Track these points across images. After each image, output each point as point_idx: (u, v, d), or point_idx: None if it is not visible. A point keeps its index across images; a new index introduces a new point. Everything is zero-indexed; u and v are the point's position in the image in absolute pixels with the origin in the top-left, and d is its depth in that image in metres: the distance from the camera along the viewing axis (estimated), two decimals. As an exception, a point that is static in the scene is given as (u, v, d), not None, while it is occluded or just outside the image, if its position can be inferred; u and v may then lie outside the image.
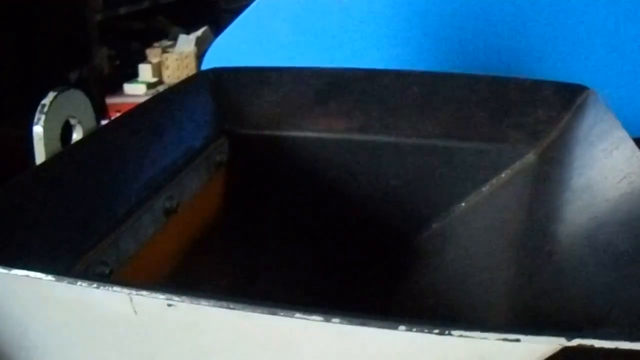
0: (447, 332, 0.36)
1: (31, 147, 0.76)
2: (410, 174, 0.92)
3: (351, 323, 0.37)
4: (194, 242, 0.83)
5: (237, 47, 1.40)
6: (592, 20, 1.07)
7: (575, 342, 0.36)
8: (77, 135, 0.80)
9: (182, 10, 3.73)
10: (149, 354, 0.48)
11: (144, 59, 3.24)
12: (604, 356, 0.39)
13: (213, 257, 0.88)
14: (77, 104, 0.79)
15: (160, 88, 3.13)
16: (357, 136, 0.93)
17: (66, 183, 0.71)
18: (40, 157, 0.75)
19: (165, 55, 3.19)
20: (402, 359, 0.39)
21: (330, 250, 0.95)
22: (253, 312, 0.38)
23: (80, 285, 0.44)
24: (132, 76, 3.21)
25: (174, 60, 3.17)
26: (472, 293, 0.83)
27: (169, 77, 3.21)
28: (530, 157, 0.87)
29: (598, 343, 0.36)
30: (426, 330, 0.36)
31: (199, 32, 3.23)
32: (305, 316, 0.38)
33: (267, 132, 0.95)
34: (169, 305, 0.42)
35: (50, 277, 0.45)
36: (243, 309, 0.38)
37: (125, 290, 0.42)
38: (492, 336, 0.36)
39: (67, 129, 0.80)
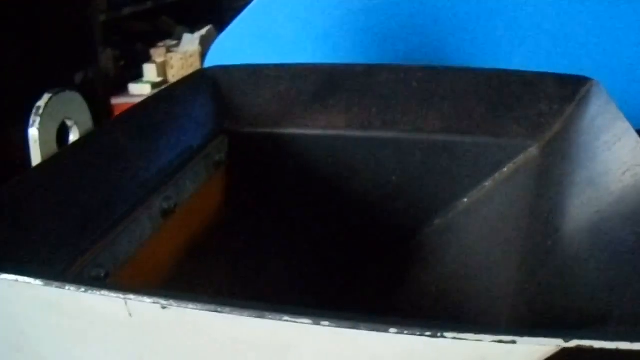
0: (439, 334, 0.35)
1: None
2: (411, 170, 0.91)
3: (341, 326, 0.36)
4: (192, 243, 0.83)
5: (239, 45, 1.39)
6: (593, 10, 1.06)
7: (573, 343, 0.35)
8: (73, 137, 0.80)
9: (186, 10, 3.73)
10: (145, 356, 0.48)
11: (148, 59, 3.24)
12: (606, 356, 0.38)
13: (212, 258, 0.87)
14: (74, 105, 0.78)
15: (165, 88, 3.12)
16: (357, 132, 0.92)
17: (62, 184, 0.70)
18: (36, 159, 0.74)
19: (169, 54, 3.19)
20: (395, 361, 0.38)
21: (331, 248, 0.94)
22: (241, 315, 0.37)
23: (69, 289, 0.43)
24: (137, 76, 3.21)
25: (178, 59, 3.17)
26: (475, 290, 0.82)
27: (173, 76, 3.20)
28: (533, 150, 0.85)
29: (597, 344, 0.35)
30: (418, 333, 0.35)
31: (203, 31, 3.23)
32: (294, 319, 0.37)
33: (266, 130, 0.94)
34: (163, 307, 0.41)
35: (38, 282, 0.45)
36: (231, 312, 0.37)
37: (112, 294, 0.41)
38: (486, 338, 0.35)
39: (64, 131, 0.80)
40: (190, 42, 3.16)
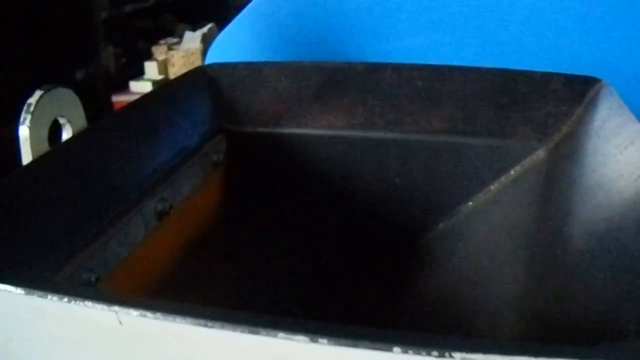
0: (447, 353, 0.32)
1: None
2: (414, 172, 0.88)
3: (340, 344, 0.34)
4: (188, 246, 0.80)
5: (240, 42, 1.37)
6: (603, 8, 1.03)
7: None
8: (66, 135, 0.77)
9: (188, 8, 3.71)
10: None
11: (150, 56, 3.23)
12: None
13: (208, 262, 0.84)
14: (66, 102, 0.76)
15: (167, 86, 3.11)
16: (359, 133, 0.89)
17: (52, 185, 0.67)
18: (27, 158, 0.72)
19: (171, 52, 3.17)
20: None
21: (332, 252, 0.92)
22: (233, 331, 0.35)
23: (51, 299, 0.41)
24: (139, 74, 3.19)
25: (180, 57, 3.15)
26: (481, 298, 0.79)
27: (175, 74, 3.18)
28: (540, 153, 0.83)
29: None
30: (424, 353, 0.32)
31: (205, 29, 3.21)
32: (289, 336, 0.34)
33: (265, 130, 0.91)
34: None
35: (20, 291, 0.42)
36: (221, 328, 0.35)
37: (97, 305, 0.39)
38: (497, 359, 0.32)
39: (57, 129, 0.77)
40: (192, 39, 3.15)
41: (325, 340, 0.34)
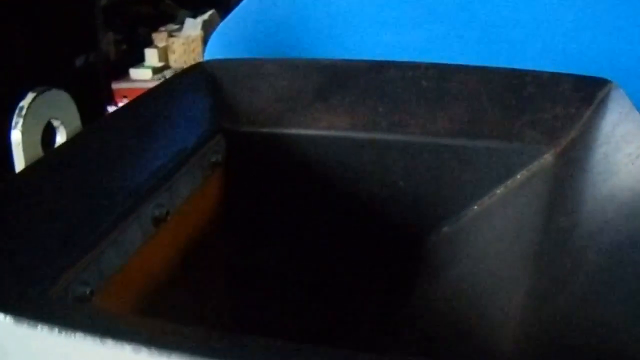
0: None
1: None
2: (418, 175, 0.86)
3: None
4: (186, 253, 0.78)
5: (242, 31, 1.34)
6: (613, 7, 1.00)
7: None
8: (60, 139, 0.75)
9: (189, -7, 3.67)
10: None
11: (150, 43, 3.20)
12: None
13: (207, 269, 0.82)
14: (60, 104, 0.74)
15: (167, 73, 3.09)
16: (362, 134, 0.87)
17: (45, 193, 0.65)
18: (19, 163, 0.70)
19: (171, 39, 3.14)
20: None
21: (335, 256, 0.90)
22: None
23: (41, 330, 0.39)
24: (139, 61, 3.16)
25: (180, 44, 3.12)
26: (483, 309, 0.77)
27: (175, 61, 3.17)
28: (548, 157, 0.80)
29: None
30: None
31: (206, 16, 3.18)
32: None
33: (266, 130, 0.89)
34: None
35: (9, 320, 0.41)
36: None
37: (87, 338, 0.37)
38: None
39: (50, 132, 0.75)
40: (193, 26, 3.12)
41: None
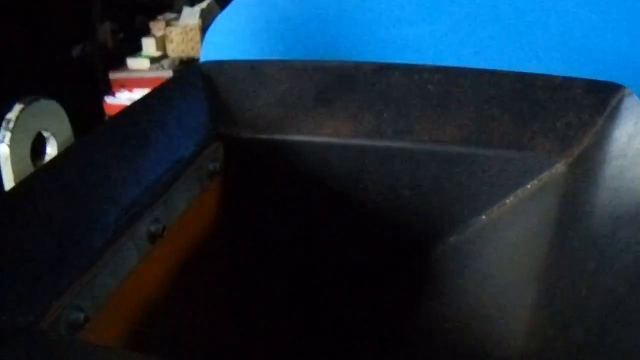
0: None
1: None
2: (425, 184, 0.83)
3: None
4: (185, 269, 0.75)
5: (242, 23, 1.31)
6: (627, 10, 0.97)
7: None
8: (51, 150, 0.72)
9: (187, -19, 3.62)
10: None
11: (148, 32, 3.15)
12: None
13: (207, 287, 0.79)
14: (50, 115, 0.71)
15: (165, 62, 3.05)
16: (366, 141, 0.83)
17: (35, 213, 0.62)
18: (8, 179, 0.67)
19: (169, 28, 3.10)
20: None
21: (337, 267, 0.87)
22: None
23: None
24: (137, 50, 3.12)
25: (178, 33, 3.08)
26: (490, 321, 0.75)
27: (173, 51, 3.12)
28: (560, 167, 0.77)
29: None
30: None
31: (204, 4, 3.14)
32: None
33: (266, 137, 0.85)
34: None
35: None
36: None
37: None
38: None
39: (41, 143, 0.72)
40: (191, 15, 3.07)
41: None
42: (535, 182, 0.79)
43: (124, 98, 2.94)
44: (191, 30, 3.05)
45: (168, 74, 2.92)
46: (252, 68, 0.91)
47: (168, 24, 3.11)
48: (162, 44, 3.09)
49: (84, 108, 2.72)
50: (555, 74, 0.82)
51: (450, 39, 1.02)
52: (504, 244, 0.80)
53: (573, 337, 0.55)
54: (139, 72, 3.03)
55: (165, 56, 3.09)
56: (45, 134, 0.69)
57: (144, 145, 0.77)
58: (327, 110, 0.86)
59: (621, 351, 0.48)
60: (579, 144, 0.77)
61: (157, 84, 0.90)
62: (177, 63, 3.06)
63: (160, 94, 0.84)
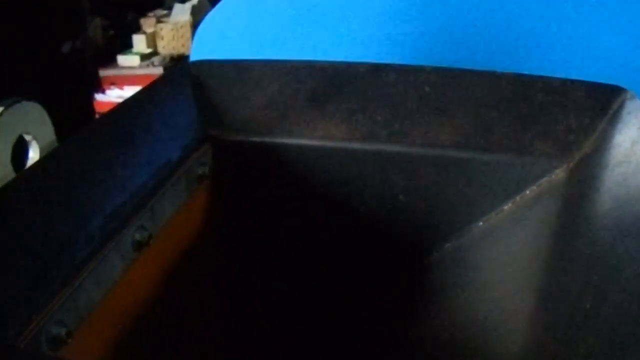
0: None
1: None
2: (421, 189, 0.80)
3: None
4: (173, 276, 0.72)
5: (233, 19, 1.28)
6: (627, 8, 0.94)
7: None
8: (33, 154, 0.69)
9: (178, -23, 3.58)
10: None
11: (139, 29, 3.12)
12: None
13: (196, 295, 0.76)
14: (31, 117, 0.68)
15: (155, 59, 3.02)
16: (360, 145, 0.81)
17: (15, 221, 0.60)
18: (-14, 184, 0.64)
19: (160, 25, 3.06)
20: None
21: (329, 274, 0.84)
22: None
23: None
24: (127, 47, 3.09)
25: (169, 30, 3.04)
26: (486, 332, 0.72)
27: (164, 47, 3.09)
28: (560, 173, 0.75)
29: None
30: None
31: (195, 1, 3.10)
32: None
33: (256, 139, 0.83)
34: None
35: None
36: None
37: None
38: None
39: (23, 147, 0.69)
40: (182, 12, 3.03)
41: None
42: (534, 187, 0.76)
43: (113, 95, 2.91)
44: (182, 27, 3.02)
45: (158, 70, 2.88)
46: (242, 68, 0.89)
47: (158, 20, 3.07)
48: (152, 40, 3.06)
49: (74, 105, 2.68)
50: (554, 75, 0.80)
51: (446, 38, 1.00)
52: (502, 251, 0.77)
53: (577, 352, 0.52)
54: (129, 68, 2.99)
55: (155, 53, 3.05)
56: (27, 137, 0.66)
57: (130, 149, 0.74)
58: (319, 112, 0.83)
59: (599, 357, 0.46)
60: (579, 148, 0.75)
61: (147, 81, 0.87)
62: (167, 60, 3.02)
63: (148, 95, 0.82)
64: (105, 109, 2.10)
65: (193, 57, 1.12)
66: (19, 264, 0.56)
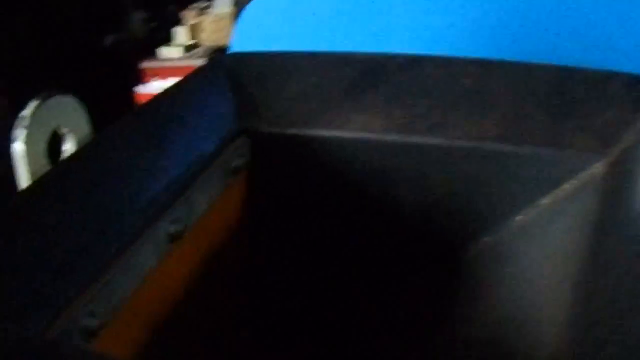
0: None
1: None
2: (457, 182, 0.79)
3: None
4: (207, 270, 0.72)
5: (273, 12, 1.28)
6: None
7: None
8: (68, 146, 0.70)
9: (220, -31, 3.59)
10: None
11: (180, 21, 3.15)
12: None
13: (229, 290, 0.76)
14: (67, 110, 0.69)
15: (198, 51, 3.04)
16: (397, 137, 0.80)
17: (49, 213, 0.60)
18: (23, 177, 0.65)
19: (201, 17, 3.08)
20: None
21: (367, 269, 0.83)
22: None
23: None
24: (169, 39, 3.12)
25: (210, 22, 3.07)
26: (520, 331, 0.71)
27: (205, 39, 3.11)
28: (599, 166, 0.73)
29: None
30: None
31: (236, -8, 3.11)
32: None
33: (292, 131, 0.82)
34: None
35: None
36: None
37: None
38: None
39: (59, 140, 0.70)
40: (223, 3, 3.05)
41: None
42: (573, 181, 0.75)
43: (155, 87, 2.93)
44: (223, 18, 3.03)
45: (200, 62, 2.91)
46: (278, 60, 0.88)
47: (200, 12, 3.09)
48: (194, 32, 3.08)
49: (116, 98, 2.72)
50: (595, 68, 0.78)
51: (486, 29, 0.98)
52: (539, 247, 0.76)
53: (608, 356, 0.51)
54: (171, 60, 3.02)
55: (197, 45, 3.08)
56: (63, 130, 0.67)
57: (166, 140, 0.75)
58: (357, 104, 0.83)
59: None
60: (618, 141, 0.73)
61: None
62: (209, 51, 3.04)
63: (184, 87, 0.82)
64: (147, 101, 2.13)
65: (233, 49, 1.13)
66: (51, 255, 0.56)
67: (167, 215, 0.66)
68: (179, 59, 3.02)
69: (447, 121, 0.79)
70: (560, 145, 0.75)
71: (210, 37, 3.08)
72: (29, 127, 0.62)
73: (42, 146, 0.64)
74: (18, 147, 0.62)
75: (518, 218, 0.78)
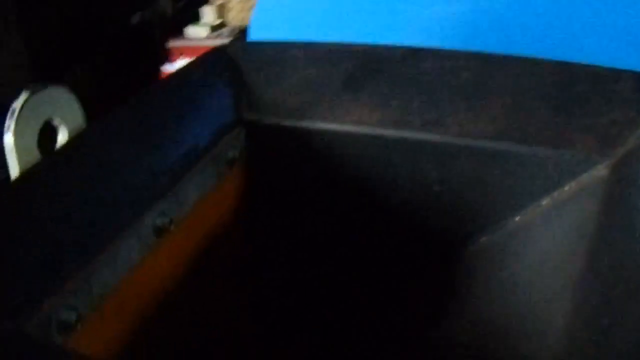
0: None
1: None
2: (454, 180, 0.78)
3: None
4: (195, 264, 0.72)
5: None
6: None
7: None
8: (62, 138, 0.70)
9: (249, -53, 3.57)
10: None
11: (208, 0, 3.14)
12: None
13: (220, 284, 0.76)
14: (59, 102, 0.68)
15: (224, 31, 3.03)
16: (393, 132, 0.78)
17: (35, 205, 0.60)
18: (13, 169, 0.65)
19: (228, -4, 3.08)
20: None
21: (360, 266, 0.83)
22: None
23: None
24: (196, 18, 3.12)
25: (237, 2, 3.06)
26: (519, 332, 0.70)
27: (232, 19, 3.10)
28: (601, 168, 0.71)
29: None
30: None
31: (263, -27, 3.09)
32: None
33: (289, 123, 0.81)
34: None
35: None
36: None
37: None
38: None
39: (52, 132, 0.70)
40: (250, -16, 3.03)
41: None
42: (574, 183, 0.73)
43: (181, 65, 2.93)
44: (250, -1, 3.02)
45: (226, 41, 2.90)
46: (277, 51, 0.88)
47: (228, -9, 3.09)
48: (221, 12, 3.08)
49: (143, 76, 2.72)
50: (601, 65, 0.76)
51: (490, 22, 0.96)
52: (538, 248, 0.74)
53: (607, 356, 0.50)
54: (197, 40, 3.02)
55: (224, 24, 3.07)
56: (56, 122, 0.67)
57: (160, 131, 0.74)
58: (353, 96, 0.81)
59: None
60: (623, 143, 0.71)
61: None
62: (236, 31, 3.04)
63: (181, 77, 0.81)
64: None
65: (250, 37, 1.13)
66: (33, 248, 0.56)
67: (154, 208, 0.66)
68: (206, 38, 3.02)
69: (444, 117, 0.77)
70: (561, 145, 0.73)
71: (236, 17, 3.07)
72: (19, 119, 0.62)
73: (33, 138, 0.64)
74: (7, 139, 0.62)
75: (516, 219, 0.77)
